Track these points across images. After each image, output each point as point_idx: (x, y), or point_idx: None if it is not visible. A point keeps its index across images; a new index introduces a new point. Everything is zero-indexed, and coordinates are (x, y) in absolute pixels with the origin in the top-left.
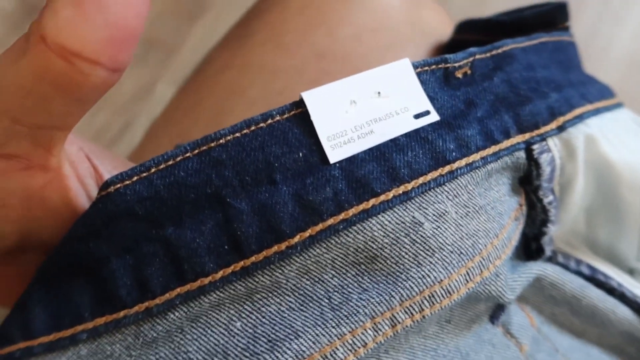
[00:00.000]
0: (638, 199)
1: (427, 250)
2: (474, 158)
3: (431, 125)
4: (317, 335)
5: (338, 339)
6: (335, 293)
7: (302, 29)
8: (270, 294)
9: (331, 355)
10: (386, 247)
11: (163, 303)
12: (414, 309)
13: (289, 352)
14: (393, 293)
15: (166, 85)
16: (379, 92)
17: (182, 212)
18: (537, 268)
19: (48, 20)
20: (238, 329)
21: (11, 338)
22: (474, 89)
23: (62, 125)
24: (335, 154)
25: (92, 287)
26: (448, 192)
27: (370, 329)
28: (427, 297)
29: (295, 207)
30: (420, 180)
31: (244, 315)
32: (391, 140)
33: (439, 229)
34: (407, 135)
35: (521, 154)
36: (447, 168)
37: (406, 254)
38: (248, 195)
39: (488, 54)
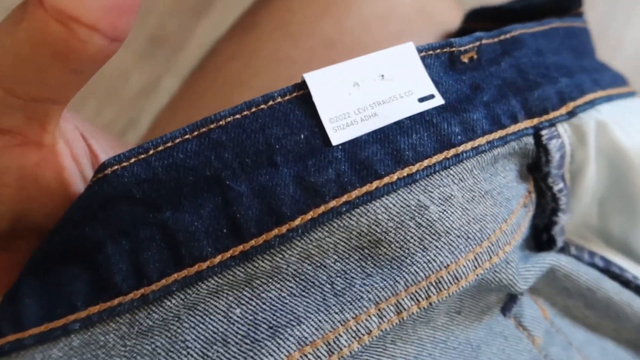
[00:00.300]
0: None
1: (433, 234)
2: (480, 142)
3: (436, 108)
4: (319, 321)
5: (341, 325)
6: (338, 278)
7: (310, 19)
8: (270, 280)
9: (334, 342)
10: (391, 231)
11: (159, 289)
12: (420, 295)
13: (291, 338)
14: (398, 278)
15: (172, 80)
16: (382, 75)
17: (180, 195)
18: (551, 259)
19: None
20: (238, 316)
21: (0, 331)
22: (480, 73)
23: (57, 97)
24: (337, 136)
25: (86, 274)
26: (454, 176)
27: (374, 315)
28: (434, 283)
29: (296, 189)
30: (425, 162)
31: (243, 302)
32: (395, 123)
33: (445, 213)
34: (411, 118)
35: (529, 140)
36: (452, 151)
37: (411, 238)
38: (248, 177)
39: (496, 39)
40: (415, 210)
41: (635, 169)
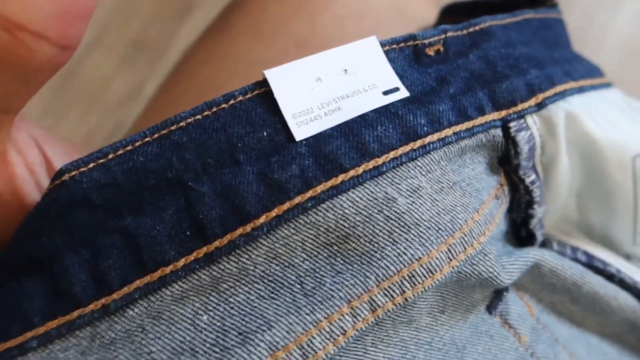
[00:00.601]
0: (628, 179)
1: (402, 226)
2: (446, 133)
3: (401, 101)
4: (290, 324)
5: (314, 326)
6: (307, 277)
7: (282, 18)
8: (237, 283)
9: (308, 344)
10: (358, 225)
11: (121, 298)
12: (393, 291)
13: (262, 344)
14: (368, 274)
15: (155, 86)
16: (345, 70)
17: (141, 199)
18: (534, 253)
19: None
20: (205, 323)
21: None
22: (447, 66)
23: (6, 107)
24: (301, 131)
25: (44, 287)
26: (421, 167)
27: (347, 314)
28: (407, 277)
29: (260, 186)
30: (391, 154)
31: (210, 308)
32: (360, 116)
33: (413, 205)
34: (376, 111)
35: (497, 132)
36: (418, 142)
37: (380, 231)
38: (210, 177)
39: (465, 31)
40: (383, 203)
41: (608, 159)
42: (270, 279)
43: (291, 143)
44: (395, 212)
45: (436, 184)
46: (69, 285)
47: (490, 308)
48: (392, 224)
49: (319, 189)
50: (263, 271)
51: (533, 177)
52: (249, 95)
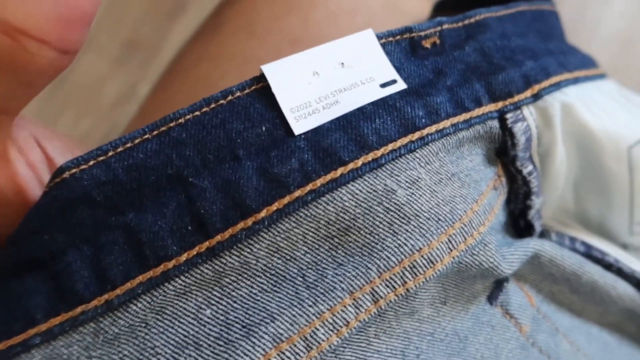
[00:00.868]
0: (624, 169)
1: (402, 218)
2: (444, 125)
3: (398, 93)
4: (294, 316)
5: (317, 318)
6: (309, 270)
7: (275, 15)
8: (240, 277)
9: (311, 336)
10: (359, 217)
11: (124, 293)
12: (395, 282)
13: (266, 336)
14: (369, 265)
15: (149, 86)
16: (342, 63)
17: (142, 195)
18: (534, 243)
19: None
20: (208, 317)
21: None
22: (443, 58)
23: (7, 109)
24: (299, 125)
25: (46, 284)
26: (420, 159)
27: (350, 305)
28: (408, 268)
29: (260, 180)
30: (390, 146)
31: (213, 302)
32: (358, 109)
33: (413, 196)
34: (373, 103)
35: (494, 123)
36: (417, 134)
37: (380, 223)
38: (211, 173)
39: (460, 24)
40: (382, 195)
41: (604, 149)
42: (273, 272)
43: (290, 137)
44: (395, 203)
45: (435, 175)
46: (71, 282)
47: (491, 298)
48: (392, 215)
49: (319, 182)
50: (265, 265)
51: (530, 168)
52: (246, 91)
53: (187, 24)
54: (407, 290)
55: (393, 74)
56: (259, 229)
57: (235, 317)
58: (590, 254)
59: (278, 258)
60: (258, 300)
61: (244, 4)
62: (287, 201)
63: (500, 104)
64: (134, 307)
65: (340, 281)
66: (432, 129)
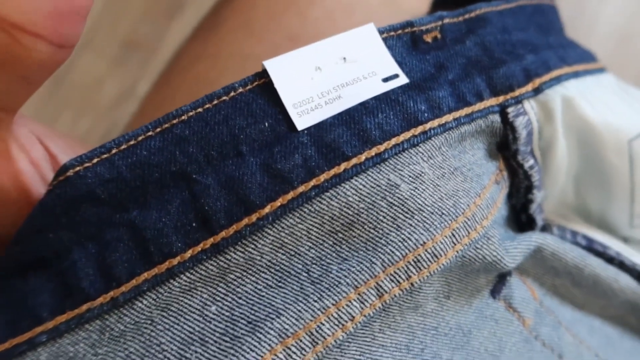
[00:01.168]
0: (624, 162)
1: (406, 212)
2: (446, 119)
3: (401, 88)
4: (299, 311)
5: (322, 313)
6: (314, 265)
7: (272, 13)
8: (245, 273)
9: (317, 331)
10: (362, 212)
11: (129, 290)
12: (400, 276)
13: (271, 332)
14: (374, 260)
15: (148, 86)
16: (344, 58)
17: (146, 192)
18: (537, 237)
19: None
20: (214, 314)
21: None
22: (444, 52)
23: (6, 105)
24: (302, 121)
25: (52, 282)
26: (423, 153)
27: (355, 300)
28: (412, 262)
29: (263, 176)
30: (393, 141)
31: (218, 298)
32: (360, 104)
33: (416, 190)
34: (376, 98)
35: (496, 118)
36: (419, 128)
37: (384, 217)
38: (214, 169)
39: (460, 18)
40: (386, 190)
41: (605, 143)
42: (277, 267)
43: (293, 133)
44: (399, 198)
45: (438, 169)
46: (76, 279)
47: (494, 292)
48: (395, 210)
49: (322, 177)
50: (270, 260)
51: (531, 162)
52: (249, 87)
53: (186, 23)
54: (412, 284)
55: (395, 69)
56: (263, 225)
57: (241, 313)
58: (592, 248)
59: (282, 254)
60: (263, 296)
61: (242, 2)
62: (291, 197)
63: (501, 98)
64: (140, 304)
65: (345, 276)
66: (435, 123)
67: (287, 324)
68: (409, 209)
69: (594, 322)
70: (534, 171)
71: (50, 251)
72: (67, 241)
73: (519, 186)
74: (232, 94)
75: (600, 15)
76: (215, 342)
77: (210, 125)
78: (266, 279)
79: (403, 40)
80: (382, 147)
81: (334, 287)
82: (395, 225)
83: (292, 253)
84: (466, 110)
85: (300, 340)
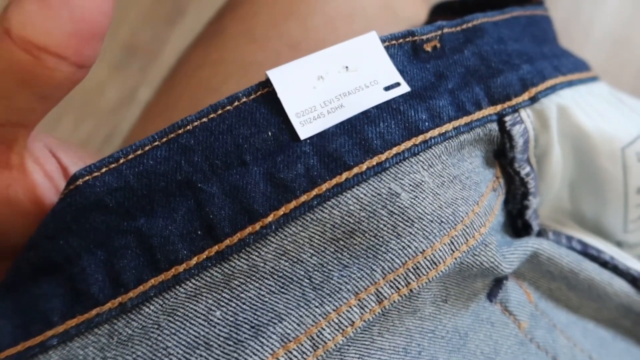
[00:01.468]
0: (618, 169)
1: (406, 220)
2: (446, 128)
3: (402, 96)
4: (301, 316)
5: (323, 318)
6: (316, 272)
7: (274, 21)
8: (248, 279)
9: (318, 335)
10: (363, 221)
11: (137, 296)
12: (399, 282)
13: (274, 336)
14: (374, 267)
15: (149, 91)
16: (346, 67)
17: (153, 201)
18: (533, 242)
19: (13, 14)
20: (218, 318)
21: None
22: (444, 61)
23: (25, 122)
24: (305, 130)
25: (62, 288)
26: (423, 162)
27: (355, 306)
28: (412, 269)
29: (267, 186)
30: (394, 150)
31: (223, 304)
32: (362, 113)
33: (416, 199)
34: (378, 107)
35: (494, 126)
36: (420, 138)
37: (384, 226)
38: (219, 178)
39: (458, 28)
40: (386, 199)
41: (598, 150)
42: (280, 274)
43: (295, 142)
44: (399, 207)
45: (438, 178)
46: (86, 285)
47: (491, 296)
48: (395, 218)
49: (324, 187)
50: (273, 267)
51: (528, 169)
52: (252, 96)
53: (186, 28)
54: (411, 290)
55: (397, 77)
56: (266, 233)
57: (244, 318)
58: (587, 252)
59: (285, 261)
60: (266, 301)
61: (244, 9)
62: (294, 206)
63: (499, 107)
64: (147, 310)
65: (346, 282)
66: (435, 132)
67: (289, 329)
68: (409, 218)
69: (588, 324)
70: (530, 178)
71: (61, 257)
72: (77, 248)
73: (515, 193)
74: (236, 103)
75: (595, 20)
76: (220, 346)
77: (214, 135)
78: (269, 285)
79: (404, 49)
80: (383, 157)
81: (335, 293)
82: (395, 234)
83: (295, 260)
84: (465, 119)
85: (302, 345)
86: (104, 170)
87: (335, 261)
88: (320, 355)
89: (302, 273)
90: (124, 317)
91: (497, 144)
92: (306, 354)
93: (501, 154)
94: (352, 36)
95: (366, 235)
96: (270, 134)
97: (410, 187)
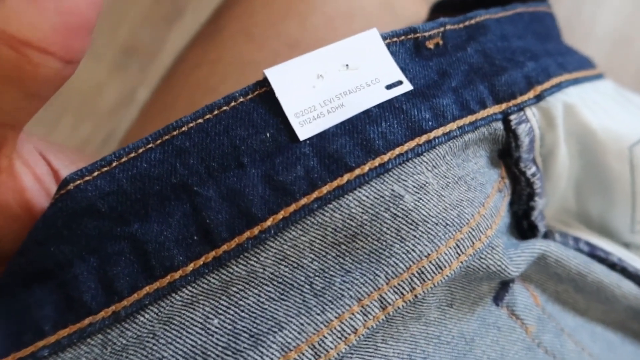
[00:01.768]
0: (625, 168)
1: (410, 223)
2: (450, 127)
3: (405, 95)
4: (301, 324)
5: (325, 326)
6: (317, 278)
7: (272, 20)
8: (247, 286)
9: (319, 344)
10: (366, 224)
11: (131, 305)
12: (403, 288)
13: (274, 345)
14: (377, 272)
15: (148, 91)
16: (347, 65)
17: (147, 205)
18: (540, 244)
19: None
20: (216, 327)
21: None
22: (447, 59)
23: (12, 122)
24: (304, 131)
25: (54, 296)
26: (427, 163)
27: (358, 312)
28: (417, 274)
29: (265, 189)
30: (397, 151)
31: (220, 312)
32: (363, 113)
33: (420, 201)
34: (379, 106)
35: (499, 125)
36: (424, 137)
37: (388, 229)
38: (215, 181)
39: (461, 25)
40: (389, 201)
41: (605, 149)
42: (280, 280)
43: (295, 143)
44: (403, 209)
45: (442, 179)
46: (78, 293)
47: (497, 299)
48: (399, 221)
49: (325, 189)
50: (272, 273)
51: (534, 169)
52: (249, 96)
53: (185, 28)
54: (415, 296)
55: (399, 75)
56: (265, 238)
57: (243, 327)
58: (595, 254)
59: (285, 266)
60: (265, 309)
61: (241, 8)
62: (293, 209)
63: (504, 106)
64: (142, 318)
65: (348, 288)
66: (439, 131)
67: (290, 338)
68: (413, 221)
69: (595, 328)
70: (536, 178)
71: (52, 264)
72: (69, 254)
73: (521, 193)
74: (233, 103)
75: (597, 17)
76: (218, 356)
77: (210, 136)
78: (269, 291)
79: (406, 47)
80: (385, 157)
81: (337, 299)
82: (399, 237)
83: (295, 265)
84: (470, 118)
85: (303, 354)
86: (96, 174)
87: (337, 266)
88: None
89: (303, 279)
90: (117, 326)
91: (502, 143)
92: None
93: (506, 153)
94: (352, 35)
95: (369, 239)
96: (268, 134)
97: (414, 189)
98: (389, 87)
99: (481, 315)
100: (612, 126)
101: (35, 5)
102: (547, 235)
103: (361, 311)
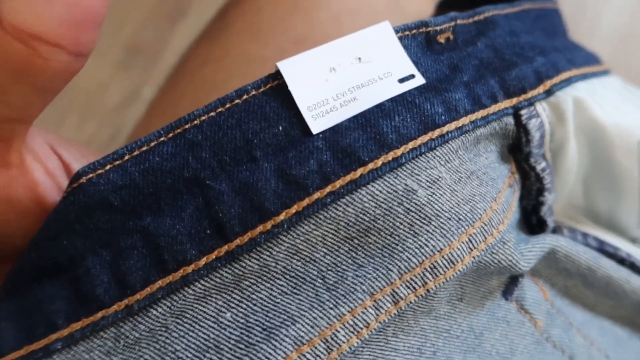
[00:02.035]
0: (634, 163)
1: (423, 218)
2: (463, 122)
3: (417, 89)
4: (314, 318)
5: (337, 320)
6: (329, 272)
7: (278, 16)
8: (259, 280)
9: (332, 338)
10: (379, 219)
11: (144, 298)
12: (416, 283)
13: (286, 339)
14: (390, 266)
15: (152, 90)
16: (359, 58)
17: (160, 199)
18: (550, 239)
19: (4, 2)
20: (229, 320)
21: None
22: (457, 54)
23: (22, 117)
24: (317, 124)
25: (66, 290)
26: (440, 157)
27: (370, 307)
28: (429, 269)
29: (278, 183)
30: (410, 145)
31: (233, 305)
32: (376, 106)
33: (434, 196)
34: (392, 100)
35: (509, 120)
36: (437, 132)
37: (401, 224)
38: (228, 175)
39: (470, 20)
40: (403, 195)
41: (614, 144)
42: (292, 274)
43: (308, 137)
44: (416, 204)
45: (455, 173)
46: (91, 287)
47: (506, 294)
48: (412, 216)
49: (338, 183)
50: (285, 267)
51: (543, 164)
52: (262, 89)
53: (189, 27)
54: (428, 290)
55: (411, 69)
56: (278, 232)
57: (256, 320)
58: (603, 249)
59: (298, 260)
60: (278, 302)
61: (247, 5)
62: (306, 204)
63: (514, 100)
64: (154, 312)
65: (361, 283)
66: (452, 126)
67: (303, 331)
68: (426, 215)
69: (603, 322)
70: (546, 174)
71: (64, 258)
72: (81, 248)
73: (531, 188)
74: (245, 96)
75: (601, 15)
76: (230, 349)
77: (223, 130)
78: (281, 285)
79: (418, 40)
80: (399, 152)
81: (350, 294)
82: (412, 232)
83: (308, 259)
84: (482, 113)
85: (315, 347)
86: (108, 167)
87: (349, 260)
88: (334, 358)
89: (315, 273)
90: (130, 319)
91: (512, 138)
92: (320, 357)
93: (516, 148)
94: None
95: (382, 233)
96: (281, 128)
97: (428, 184)
98: (401, 80)
99: (490, 310)
100: (622, 121)
101: None
102: (556, 230)
103: (373, 305)
